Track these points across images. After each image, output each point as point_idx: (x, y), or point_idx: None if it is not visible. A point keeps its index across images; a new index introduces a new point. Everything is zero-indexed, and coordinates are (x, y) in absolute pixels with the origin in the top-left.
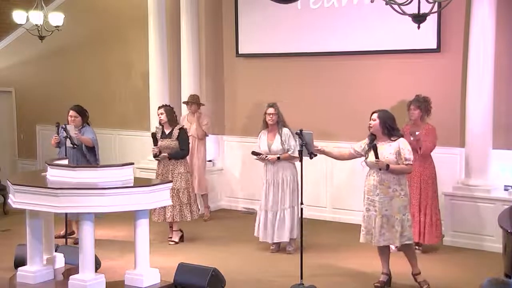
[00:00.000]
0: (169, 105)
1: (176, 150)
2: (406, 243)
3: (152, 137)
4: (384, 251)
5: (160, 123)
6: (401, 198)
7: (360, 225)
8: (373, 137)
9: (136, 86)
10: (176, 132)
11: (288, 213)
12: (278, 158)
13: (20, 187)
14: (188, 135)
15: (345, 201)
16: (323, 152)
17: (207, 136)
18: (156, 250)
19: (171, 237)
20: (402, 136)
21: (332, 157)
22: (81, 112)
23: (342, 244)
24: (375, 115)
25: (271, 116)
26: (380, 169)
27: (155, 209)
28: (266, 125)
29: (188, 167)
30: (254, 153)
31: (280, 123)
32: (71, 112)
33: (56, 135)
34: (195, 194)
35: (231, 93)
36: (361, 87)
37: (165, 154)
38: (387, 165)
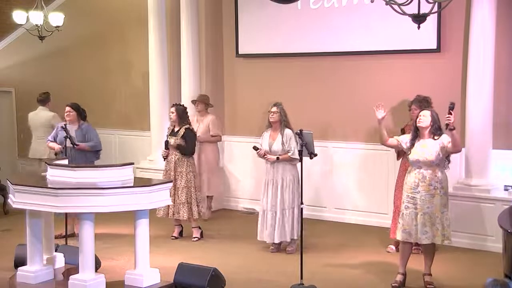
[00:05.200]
0: (182, 104)
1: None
2: (445, 243)
3: (165, 143)
4: (407, 250)
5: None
6: (441, 196)
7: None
8: (415, 134)
9: (136, 86)
10: (182, 131)
11: (288, 213)
12: (277, 158)
13: (20, 187)
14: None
15: (345, 201)
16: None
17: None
18: (156, 250)
19: (174, 236)
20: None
21: (382, 134)
22: (77, 108)
23: (342, 244)
24: (427, 113)
25: (272, 114)
26: (449, 129)
27: None
28: (270, 124)
29: (192, 167)
30: (255, 148)
31: (283, 123)
32: (67, 108)
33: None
34: (198, 194)
35: (231, 93)
36: (361, 87)
37: (176, 142)
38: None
